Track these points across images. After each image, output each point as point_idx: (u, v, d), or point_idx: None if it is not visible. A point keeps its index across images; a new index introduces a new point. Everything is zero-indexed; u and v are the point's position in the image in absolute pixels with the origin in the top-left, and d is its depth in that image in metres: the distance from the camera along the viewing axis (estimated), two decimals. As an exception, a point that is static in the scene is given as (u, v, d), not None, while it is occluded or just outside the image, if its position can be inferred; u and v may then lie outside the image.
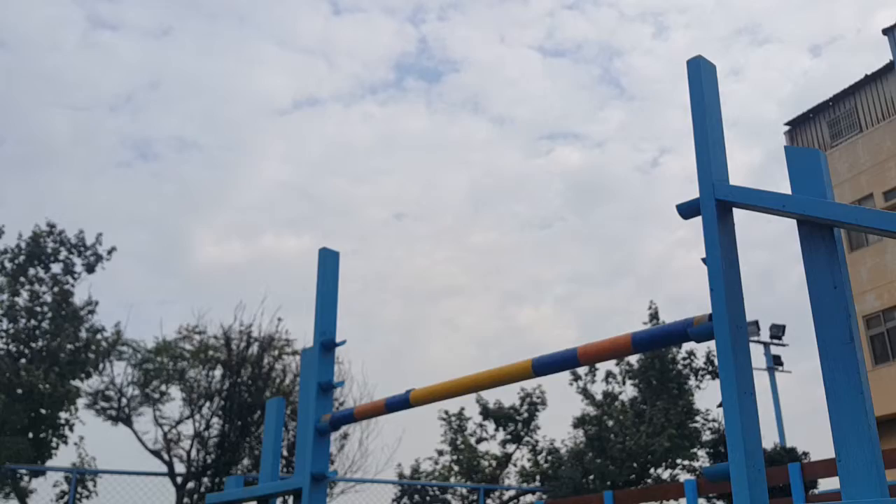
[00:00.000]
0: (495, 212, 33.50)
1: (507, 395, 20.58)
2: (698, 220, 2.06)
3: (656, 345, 1.61)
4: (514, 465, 16.95)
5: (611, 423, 15.27)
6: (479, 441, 17.24)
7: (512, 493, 16.00)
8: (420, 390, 2.16)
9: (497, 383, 1.92)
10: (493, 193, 33.95)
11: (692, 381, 15.88)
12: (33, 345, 14.37)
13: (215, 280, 26.73)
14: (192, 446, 13.02)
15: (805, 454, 14.25)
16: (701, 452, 15.47)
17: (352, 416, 2.45)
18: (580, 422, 15.80)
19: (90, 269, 15.32)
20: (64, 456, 14.31)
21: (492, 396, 17.48)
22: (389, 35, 35.01)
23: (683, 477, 14.84)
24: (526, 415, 17.05)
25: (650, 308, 16.35)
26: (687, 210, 1.72)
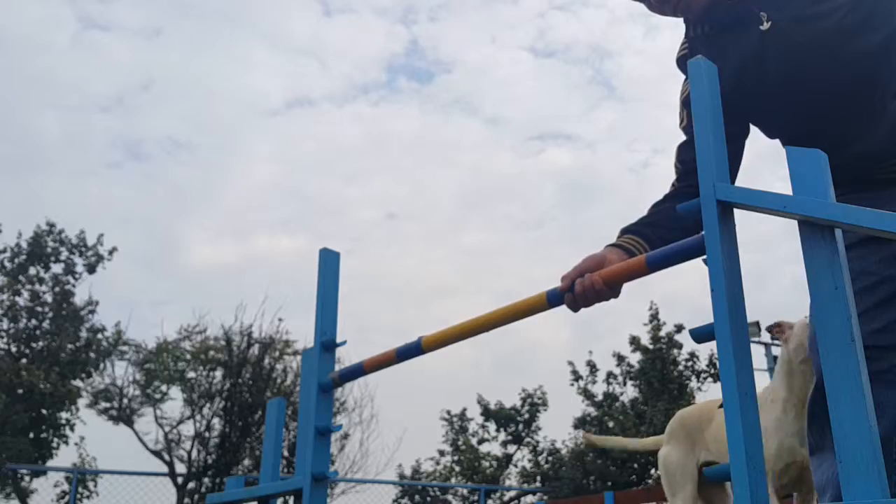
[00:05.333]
0: (487, 212, 33.39)
1: (508, 396, 20.58)
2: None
3: (670, 262, 1.61)
4: (515, 466, 16.97)
5: (611, 423, 15.28)
6: (480, 442, 17.25)
7: (513, 493, 16.01)
8: (432, 335, 2.09)
9: (511, 319, 1.89)
10: (485, 194, 33.86)
11: (693, 383, 15.89)
12: (34, 345, 14.39)
13: (210, 281, 26.66)
14: (192, 447, 13.02)
15: (806, 455, 14.23)
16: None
17: (361, 370, 2.37)
18: (581, 422, 15.81)
19: (91, 269, 15.35)
20: (65, 456, 14.34)
21: (493, 397, 17.52)
22: (381, 36, 34.93)
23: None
24: (527, 415, 17.07)
25: (651, 308, 16.36)
26: (688, 211, 1.72)
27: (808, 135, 1.71)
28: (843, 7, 1.67)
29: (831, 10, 1.67)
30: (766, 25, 1.73)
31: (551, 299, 1.78)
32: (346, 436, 13.89)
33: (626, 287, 1.70)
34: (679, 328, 16.04)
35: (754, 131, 1.95)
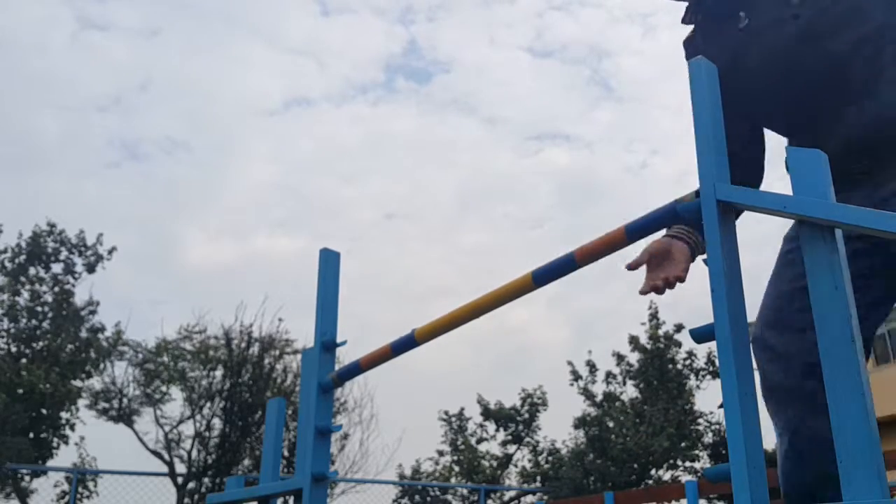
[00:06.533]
0: (486, 212, 33.45)
1: (508, 396, 20.59)
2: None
3: (649, 230, 1.63)
4: (515, 466, 16.97)
5: (611, 423, 15.28)
6: (479, 441, 17.25)
7: (513, 493, 16.00)
8: (425, 326, 2.10)
9: (500, 302, 1.90)
10: (484, 194, 33.93)
11: (692, 381, 15.89)
12: (34, 345, 14.38)
13: (210, 280, 26.69)
14: (192, 447, 13.02)
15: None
16: (702, 454, 15.48)
17: (358, 368, 2.37)
18: (581, 422, 15.80)
19: (91, 269, 15.34)
20: (65, 456, 14.33)
21: (493, 397, 17.51)
22: (379, 36, 34.97)
23: (684, 478, 14.83)
24: (527, 415, 17.06)
25: (650, 308, 16.37)
26: (688, 211, 1.72)
27: (788, 133, 1.79)
28: (813, 10, 1.70)
29: (802, 13, 1.70)
30: (743, 24, 1.78)
31: (537, 280, 1.79)
32: (346, 436, 13.88)
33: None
34: (678, 328, 16.05)
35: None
